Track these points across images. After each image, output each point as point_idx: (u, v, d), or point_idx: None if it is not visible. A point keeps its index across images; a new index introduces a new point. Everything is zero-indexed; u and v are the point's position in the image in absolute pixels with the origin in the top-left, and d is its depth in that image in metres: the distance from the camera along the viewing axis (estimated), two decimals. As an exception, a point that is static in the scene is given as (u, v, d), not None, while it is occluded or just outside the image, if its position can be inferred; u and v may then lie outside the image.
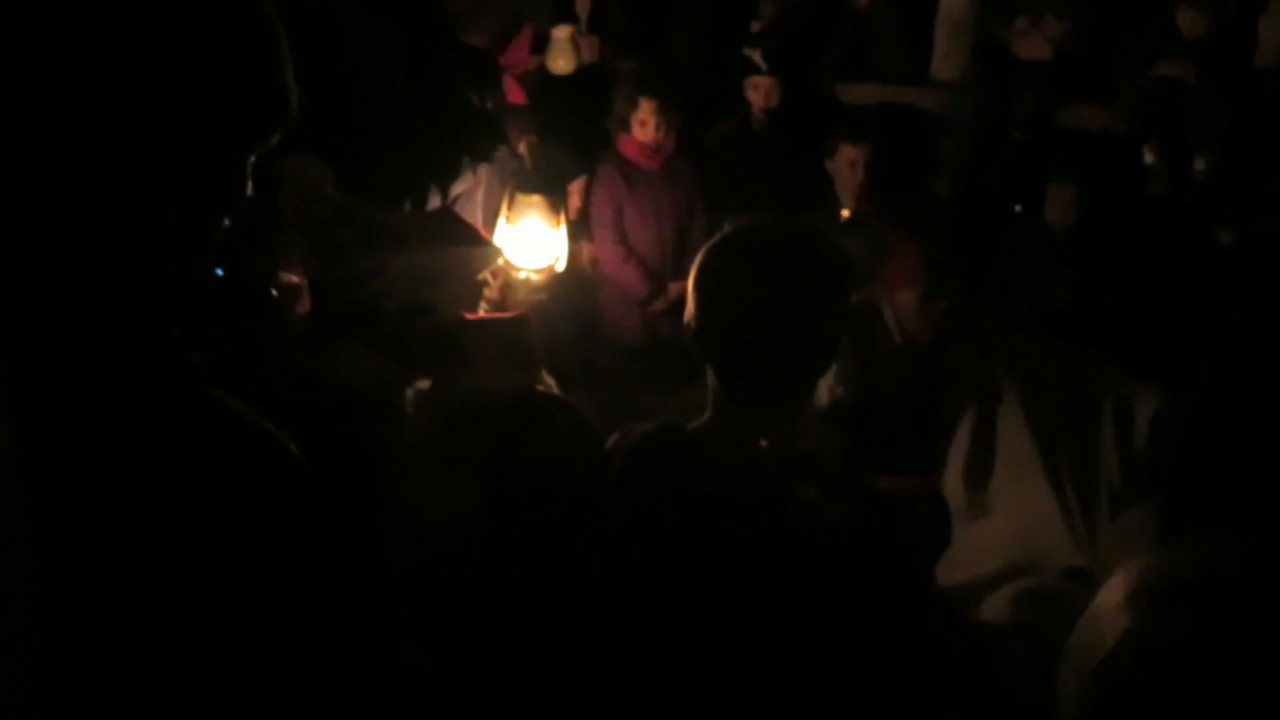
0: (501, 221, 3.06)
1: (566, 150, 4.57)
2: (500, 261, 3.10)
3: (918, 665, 1.62)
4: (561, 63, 4.87)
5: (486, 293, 2.94)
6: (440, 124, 3.26)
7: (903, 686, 1.60)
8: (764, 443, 1.82)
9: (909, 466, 2.76)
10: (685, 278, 4.96)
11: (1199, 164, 4.41)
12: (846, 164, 4.40)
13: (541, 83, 4.88)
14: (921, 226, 3.15)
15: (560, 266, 3.12)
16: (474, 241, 2.84)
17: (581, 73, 4.96)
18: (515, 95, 4.65)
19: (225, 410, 1.04)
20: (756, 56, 4.79)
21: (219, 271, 1.78)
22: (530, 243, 3.07)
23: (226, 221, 1.08)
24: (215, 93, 1.00)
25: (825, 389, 2.89)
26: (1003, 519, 2.73)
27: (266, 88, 1.04)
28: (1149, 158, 4.59)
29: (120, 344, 1.00)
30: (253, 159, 1.06)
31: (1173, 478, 1.35)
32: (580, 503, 1.85)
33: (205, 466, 1.00)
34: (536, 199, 3.03)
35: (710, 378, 1.69)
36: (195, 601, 0.98)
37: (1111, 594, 0.78)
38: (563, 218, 3.10)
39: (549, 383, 2.43)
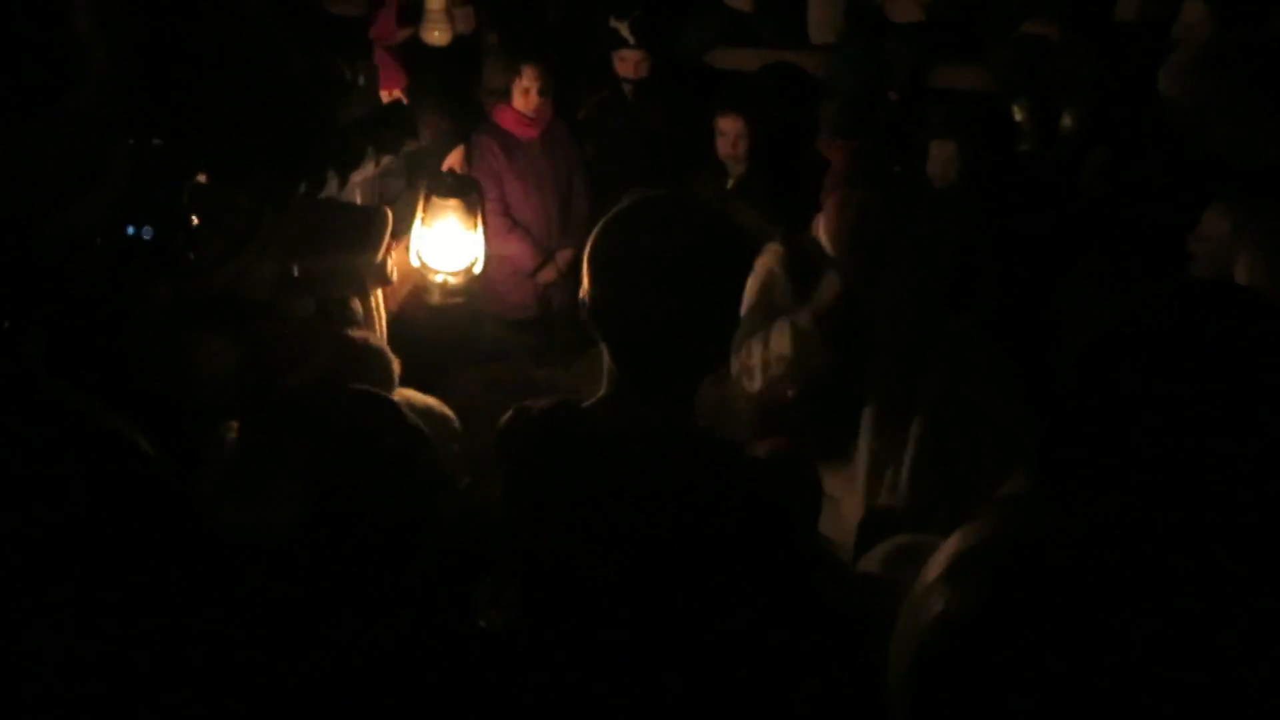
0: (417, 224, 2.99)
1: (448, 122, 4.50)
2: (417, 264, 3.04)
3: (804, 626, 1.65)
4: (437, 34, 4.77)
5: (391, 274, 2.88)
6: (314, 102, 3.17)
7: (790, 646, 1.63)
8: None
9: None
10: (571, 246, 4.98)
11: (1066, 120, 4.53)
12: (725, 134, 4.43)
13: (416, 54, 4.78)
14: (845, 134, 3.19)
15: (478, 269, 3.06)
16: (364, 223, 2.75)
17: (457, 43, 4.87)
18: (388, 68, 4.54)
19: (61, 403, 0.97)
20: (624, 28, 4.75)
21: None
22: (447, 245, 3.01)
23: (59, 205, 0.99)
24: None
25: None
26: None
27: (50, 41, 0.91)
28: (1018, 115, 4.70)
29: None
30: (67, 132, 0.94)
31: (1044, 437, 1.37)
32: (408, 500, 1.83)
33: (38, 463, 0.93)
34: (453, 202, 2.97)
35: (605, 354, 1.67)
36: (28, 600, 0.92)
37: (928, 575, 0.76)
38: (479, 219, 3.04)
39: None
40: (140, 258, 1.64)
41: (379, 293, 2.98)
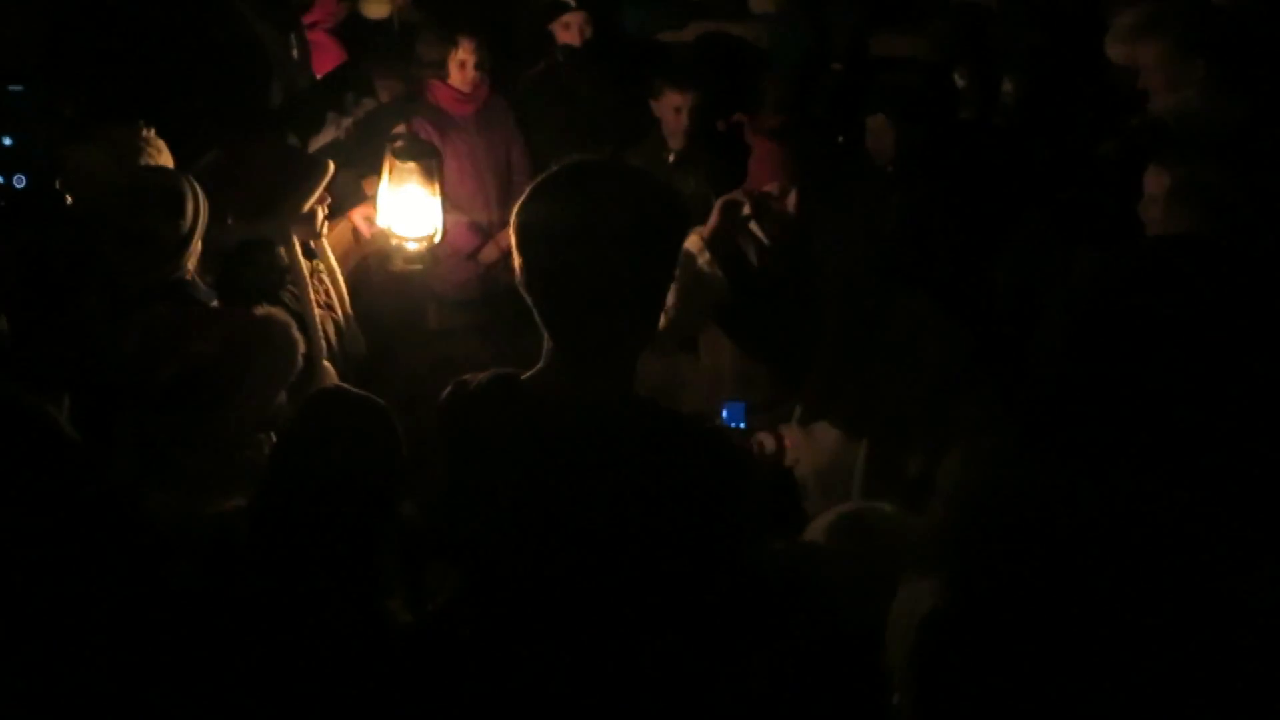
0: (384, 186, 2.94)
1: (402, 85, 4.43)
2: (380, 227, 2.99)
3: (742, 595, 1.64)
4: (375, 7, 4.70)
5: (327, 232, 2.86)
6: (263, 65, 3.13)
7: (726, 613, 1.62)
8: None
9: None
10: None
11: (1007, 85, 4.55)
12: (671, 108, 4.36)
13: (355, 29, 4.70)
14: (776, 128, 3.21)
15: (438, 239, 3.02)
16: (303, 166, 2.74)
17: (395, 17, 4.80)
18: (332, 51, 4.46)
19: None
20: None
21: None
22: (411, 210, 2.96)
23: None
24: None
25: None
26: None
27: None
28: (960, 83, 4.70)
29: None
30: None
31: (1027, 400, 1.36)
32: (372, 498, 1.80)
33: None
34: (412, 165, 2.92)
35: (542, 326, 1.64)
36: None
37: (916, 561, 0.77)
38: (439, 186, 2.99)
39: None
40: (13, 206, 1.61)
41: (329, 255, 2.96)
